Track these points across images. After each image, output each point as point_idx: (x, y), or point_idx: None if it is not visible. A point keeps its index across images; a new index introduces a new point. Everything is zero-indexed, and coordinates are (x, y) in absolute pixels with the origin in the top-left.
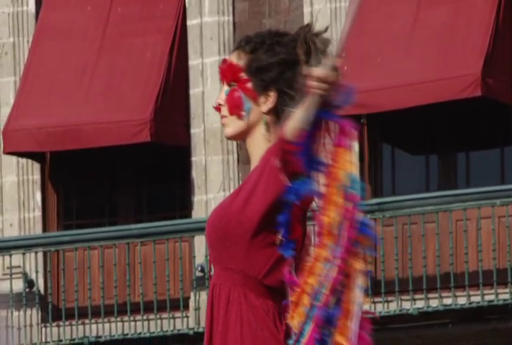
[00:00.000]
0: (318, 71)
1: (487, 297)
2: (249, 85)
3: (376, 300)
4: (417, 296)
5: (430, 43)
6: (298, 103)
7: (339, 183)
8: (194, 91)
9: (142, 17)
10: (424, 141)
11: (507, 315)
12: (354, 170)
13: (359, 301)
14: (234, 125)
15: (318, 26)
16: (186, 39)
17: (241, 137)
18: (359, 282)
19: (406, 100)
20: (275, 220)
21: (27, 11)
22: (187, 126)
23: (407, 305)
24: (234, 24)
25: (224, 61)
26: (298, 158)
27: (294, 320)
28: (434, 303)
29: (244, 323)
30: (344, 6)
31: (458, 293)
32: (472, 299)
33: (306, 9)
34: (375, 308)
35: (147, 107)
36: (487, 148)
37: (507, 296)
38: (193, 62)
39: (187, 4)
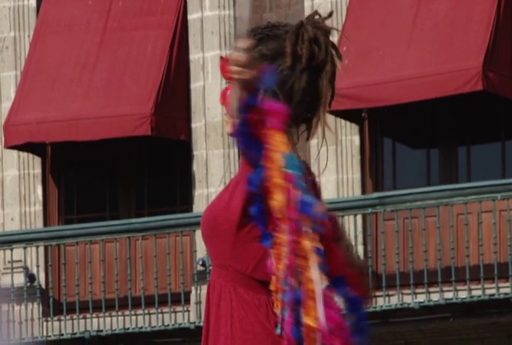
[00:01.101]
0: (232, 55)
1: (488, 291)
2: None
3: (377, 294)
4: (418, 290)
5: (431, 37)
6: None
7: (278, 165)
8: (195, 85)
9: (143, 11)
10: (425, 135)
11: (508, 309)
12: (288, 150)
13: (318, 280)
14: (230, 123)
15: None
16: (187, 34)
17: None
18: (314, 261)
19: (407, 95)
20: None
21: (28, 5)
22: (188, 120)
23: (408, 299)
24: (235, 18)
25: (221, 59)
26: (241, 147)
27: (278, 309)
28: (435, 297)
29: (235, 319)
30: (345, 0)
31: (459, 287)
32: (473, 293)
33: (307, 3)
34: (376, 302)
35: (148, 101)
36: (488, 142)
37: (508, 290)
38: (194, 56)
39: None
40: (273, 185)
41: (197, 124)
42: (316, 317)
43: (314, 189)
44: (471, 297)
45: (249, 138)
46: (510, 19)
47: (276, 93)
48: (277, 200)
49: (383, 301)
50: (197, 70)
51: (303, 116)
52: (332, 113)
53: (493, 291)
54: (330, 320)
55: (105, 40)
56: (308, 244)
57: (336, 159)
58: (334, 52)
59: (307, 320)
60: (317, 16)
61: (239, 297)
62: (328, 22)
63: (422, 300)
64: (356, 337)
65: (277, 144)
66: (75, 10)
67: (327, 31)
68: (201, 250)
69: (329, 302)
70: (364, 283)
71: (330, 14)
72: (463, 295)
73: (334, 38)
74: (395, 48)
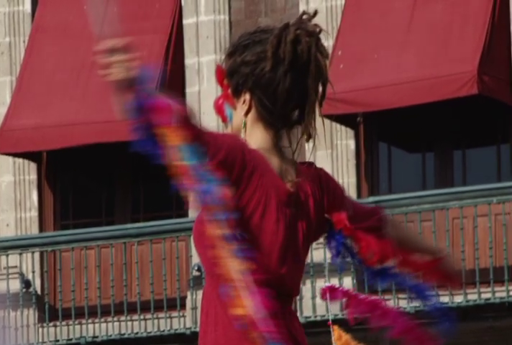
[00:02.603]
0: (100, 59)
1: (484, 295)
2: (229, 90)
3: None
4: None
5: (426, 41)
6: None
7: (175, 160)
8: (190, 90)
9: (138, 16)
10: (420, 139)
11: (504, 313)
12: (183, 142)
13: (235, 267)
14: (226, 131)
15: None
16: (182, 38)
17: None
18: (226, 249)
19: (402, 99)
20: None
21: (23, 10)
22: None
23: (404, 304)
24: (230, 22)
25: (217, 66)
26: (149, 153)
27: None
28: None
29: (219, 325)
30: (340, 5)
31: (455, 291)
32: (469, 297)
33: (302, 7)
34: None
35: None
36: (484, 146)
37: (504, 294)
38: (189, 61)
39: (183, 3)
40: (183, 182)
41: None
42: (244, 305)
43: (319, 186)
44: (467, 301)
45: (150, 142)
46: (505, 22)
47: (258, 95)
48: (190, 195)
49: None
50: (192, 75)
51: (293, 118)
52: (327, 117)
53: (489, 295)
54: (260, 305)
55: None
56: (214, 232)
57: (331, 163)
58: (318, 51)
59: (236, 311)
60: (305, 16)
61: (221, 304)
62: (315, 22)
63: (418, 305)
64: (441, 324)
65: (170, 140)
66: (70, 15)
67: (310, 32)
68: (197, 255)
69: (252, 288)
70: (440, 267)
71: (315, 14)
72: (459, 299)
73: (329, 42)
74: (390, 52)
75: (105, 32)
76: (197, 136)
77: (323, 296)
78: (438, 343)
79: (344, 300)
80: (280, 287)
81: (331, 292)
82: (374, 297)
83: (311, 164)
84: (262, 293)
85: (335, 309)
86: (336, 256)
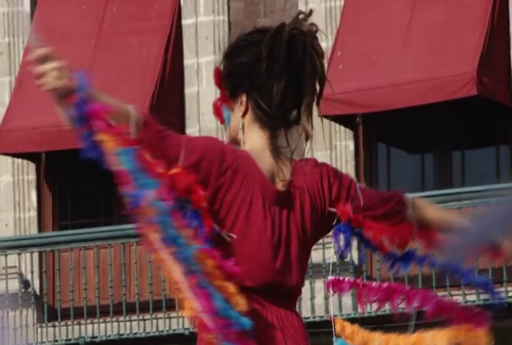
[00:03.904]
0: (33, 69)
1: (483, 296)
2: (227, 93)
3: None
4: None
5: (425, 42)
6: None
7: (115, 165)
8: (189, 91)
9: (138, 16)
10: (420, 140)
11: (503, 314)
12: (117, 146)
13: (175, 269)
14: (226, 133)
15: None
16: (181, 39)
17: (237, 143)
18: (165, 252)
19: (402, 100)
20: None
21: (22, 10)
22: (182, 125)
23: (403, 304)
24: (230, 23)
25: (215, 67)
26: (97, 158)
27: None
28: None
29: None
30: (340, 5)
31: (454, 292)
32: (468, 298)
33: (301, 8)
34: (371, 307)
35: (142, 106)
36: (483, 147)
37: (503, 295)
38: (189, 61)
39: (182, 3)
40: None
41: (191, 130)
42: (191, 306)
43: (319, 182)
44: (466, 302)
45: (95, 148)
46: (505, 24)
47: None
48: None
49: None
50: (191, 76)
51: (291, 118)
52: (327, 118)
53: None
54: (204, 307)
55: (99, 45)
56: (151, 235)
57: (330, 164)
58: (313, 50)
59: (187, 313)
60: (301, 16)
61: None
62: (315, 22)
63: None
64: (491, 296)
65: (106, 145)
66: (70, 15)
67: (306, 32)
68: None
69: (197, 289)
70: (463, 245)
71: (310, 13)
72: (458, 300)
73: (329, 43)
74: (389, 53)
75: (33, 42)
76: (158, 140)
77: (328, 290)
78: (484, 319)
79: (354, 290)
80: (276, 285)
81: (337, 285)
82: (391, 283)
83: (310, 160)
84: (206, 294)
85: (335, 309)
86: (345, 249)
